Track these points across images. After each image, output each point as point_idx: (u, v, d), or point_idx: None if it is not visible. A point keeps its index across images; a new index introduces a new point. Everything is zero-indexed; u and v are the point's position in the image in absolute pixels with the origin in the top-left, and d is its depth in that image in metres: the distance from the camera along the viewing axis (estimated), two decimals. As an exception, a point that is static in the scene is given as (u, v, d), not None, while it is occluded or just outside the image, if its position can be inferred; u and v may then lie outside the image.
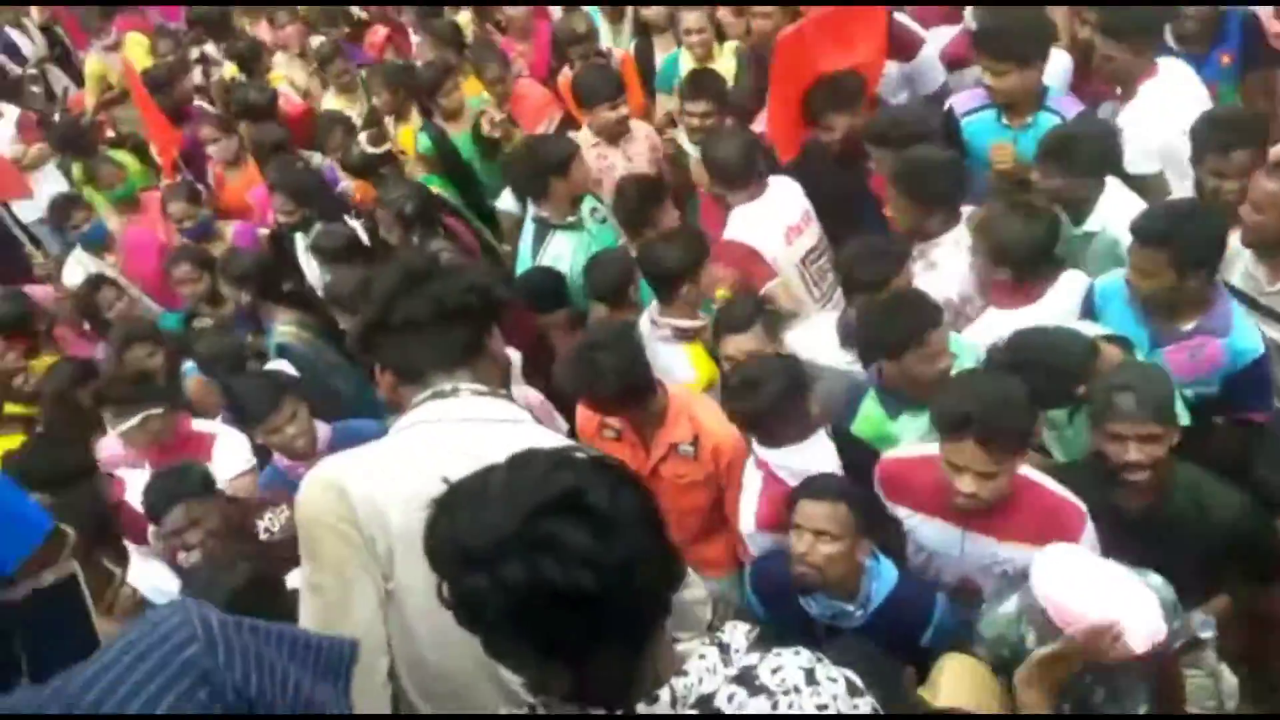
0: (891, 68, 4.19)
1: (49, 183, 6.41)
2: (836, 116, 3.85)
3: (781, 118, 4.00)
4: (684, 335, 3.48)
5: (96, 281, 4.92)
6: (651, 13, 5.19)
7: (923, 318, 2.83)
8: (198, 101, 6.43)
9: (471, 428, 1.71)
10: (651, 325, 3.52)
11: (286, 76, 6.30)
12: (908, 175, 3.36)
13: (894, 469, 2.75)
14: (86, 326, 5.08)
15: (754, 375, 2.80)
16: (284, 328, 4.29)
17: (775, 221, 3.76)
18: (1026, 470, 2.55)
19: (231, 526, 3.19)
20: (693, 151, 4.32)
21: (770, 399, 2.73)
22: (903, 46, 4.21)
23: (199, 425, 3.84)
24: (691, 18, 4.84)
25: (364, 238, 4.67)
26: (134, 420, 3.61)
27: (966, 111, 3.87)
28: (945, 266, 3.34)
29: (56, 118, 7.15)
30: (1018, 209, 3.16)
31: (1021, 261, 3.10)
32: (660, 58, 5.19)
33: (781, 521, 2.72)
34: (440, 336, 1.75)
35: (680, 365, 3.44)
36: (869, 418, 3.00)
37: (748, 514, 2.88)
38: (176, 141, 5.80)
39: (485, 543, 1.10)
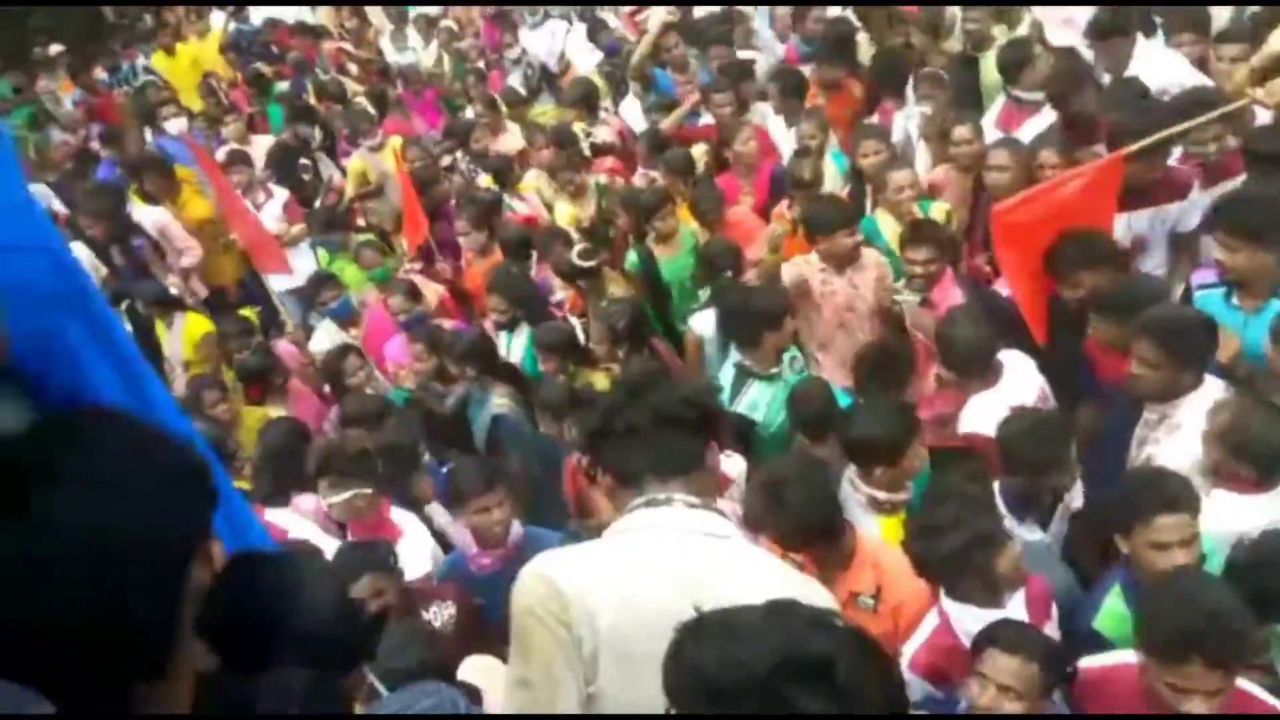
0: (1171, 208, 4.13)
1: (300, 258, 7.11)
2: (1086, 274, 3.73)
3: (1028, 301, 3.94)
4: (881, 507, 3.33)
5: (345, 350, 5.35)
6: (867, 163, 5.29)
7: (1152, 497, 2.66)
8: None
9: (681, 539, 1.73)
10: (850, 487, 3.39)
11: (535, 186, 6.82)
12: (1167, 331, 3.19)
13: (1094, 678, 2.53)
14: (327, 389, 5.49)
15: (938, 521, 2.68)
16: (499, 400, 4.62)
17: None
18: (1240, 681, 2.32)
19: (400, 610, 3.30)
20: (909, 297, 4.32)
21: (952, 548, 2.60)
22: (1177, 187, 4.15)
23: (395, 515, 3.99)
24: (901, 175, 4.88)
25: (581, 338, 4.93)
26: (345, 495, 3.80)
27: (1201, 285, 3.73)
28: (1189, 428, 3.14)
29: (317, 203, 7.96)
30: (1269, 409, 2.96)
31: (1266, 463, 2.88)
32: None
33: (937, 675, 2.61)
34: (658, 445, 1.81)
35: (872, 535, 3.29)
36: (1112, 613, 2.79)
37: (907, 654, 2.73)
38: (424, 233, 6.48)
39: (729, 680, 1.10)
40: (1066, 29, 5.97)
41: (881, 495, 3.29)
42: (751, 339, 4.14)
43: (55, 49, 11.72)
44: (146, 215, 7.07)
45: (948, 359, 3.74)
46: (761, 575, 1.68)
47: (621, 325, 4.60)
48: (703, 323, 4.84)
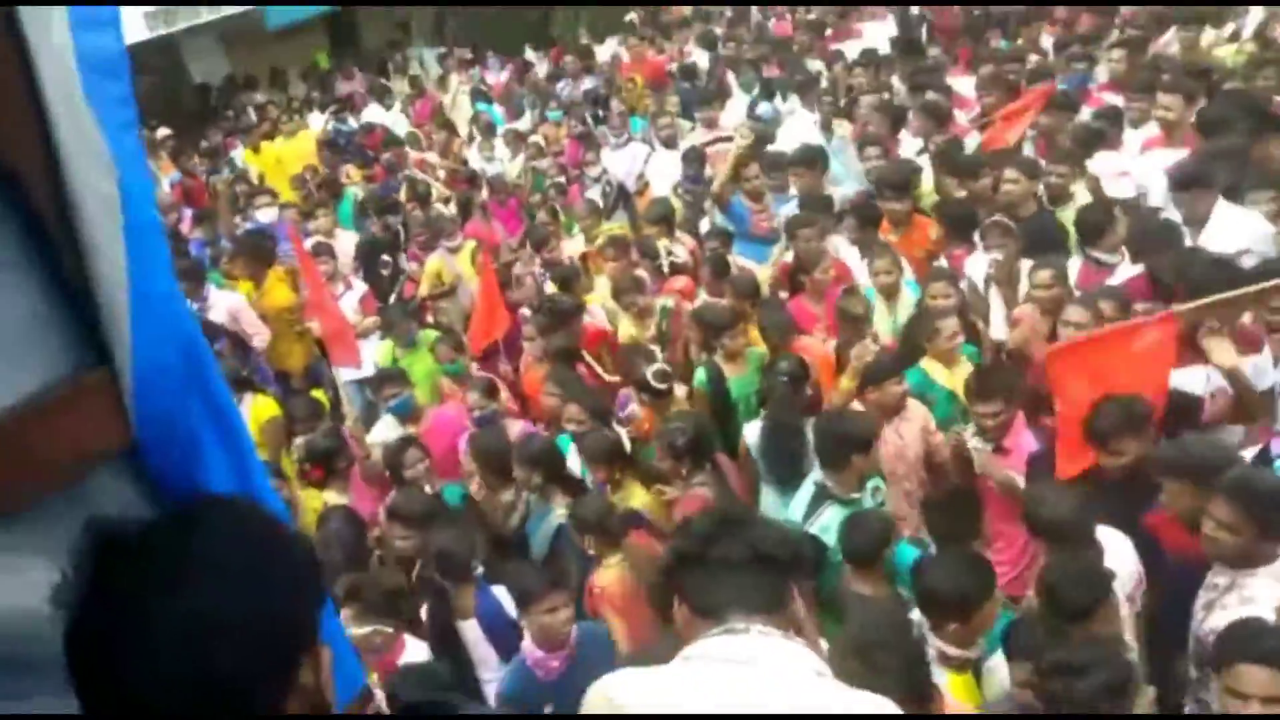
0: (1246, 362, 4.09)
1: (370, 348, 7.21)
2: (1130, 441, 3.68)
3: (1068, 440, 3.90)
4: (950, 663, 3.19)
5: (407, 442, 5.34)
6: (933, 305, 5.30)
7: (1246, 645, 2.66)
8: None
9: (753, 671, 1.67)
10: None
11: (601, 299, 6.88)
12: (1250, 496, 3.10)
13: None
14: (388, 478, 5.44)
15: (1078, 662, 2.60)
16: (561, 510, 4.57)
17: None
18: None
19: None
20: (980, 445, 4.25)
21: (1094, 688, 2.53)
22: (1249, 340, 4.17)
23: (406, 657, 3.90)
24: (949, 323, 4.97)
25: (627, 446, 4.92)
26: (365, 630, 3.75)
27: (1280, 454, 3.61)
28: (1261, 601, 3.04)
29: (391, 298, 8.14)
30: None
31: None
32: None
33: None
34: (748, 579, 1.78)
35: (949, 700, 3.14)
36: None
37: None
38: (501, 330, 6.58)
39: None
40: (1122, 181, 6.00)
41: (952, 651, 3.15)
42: (838, 462, 4.10)
43: (163, 132, 12.36)
44: (221, 300, 7.28)
45: (1038, 528, 3.56)
46: (836, 710, 1.63)
47: (681, 443, 4.56)
48: (751, 434, 4.86)
